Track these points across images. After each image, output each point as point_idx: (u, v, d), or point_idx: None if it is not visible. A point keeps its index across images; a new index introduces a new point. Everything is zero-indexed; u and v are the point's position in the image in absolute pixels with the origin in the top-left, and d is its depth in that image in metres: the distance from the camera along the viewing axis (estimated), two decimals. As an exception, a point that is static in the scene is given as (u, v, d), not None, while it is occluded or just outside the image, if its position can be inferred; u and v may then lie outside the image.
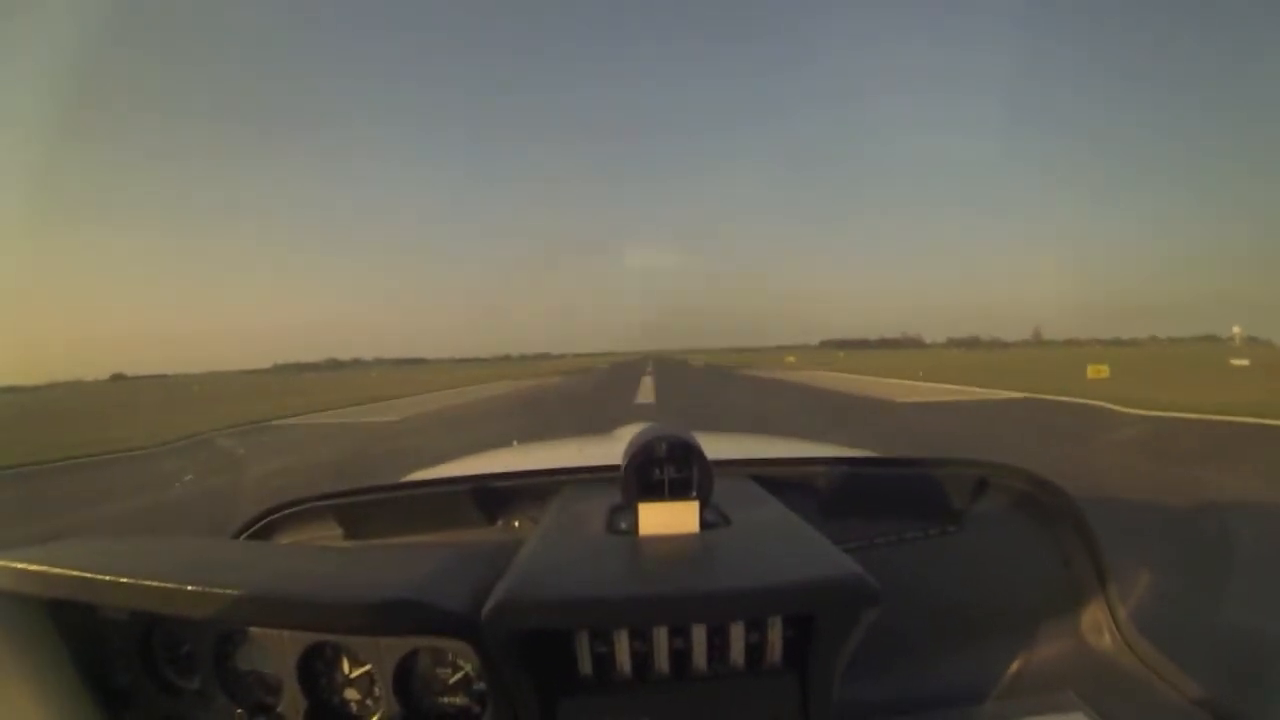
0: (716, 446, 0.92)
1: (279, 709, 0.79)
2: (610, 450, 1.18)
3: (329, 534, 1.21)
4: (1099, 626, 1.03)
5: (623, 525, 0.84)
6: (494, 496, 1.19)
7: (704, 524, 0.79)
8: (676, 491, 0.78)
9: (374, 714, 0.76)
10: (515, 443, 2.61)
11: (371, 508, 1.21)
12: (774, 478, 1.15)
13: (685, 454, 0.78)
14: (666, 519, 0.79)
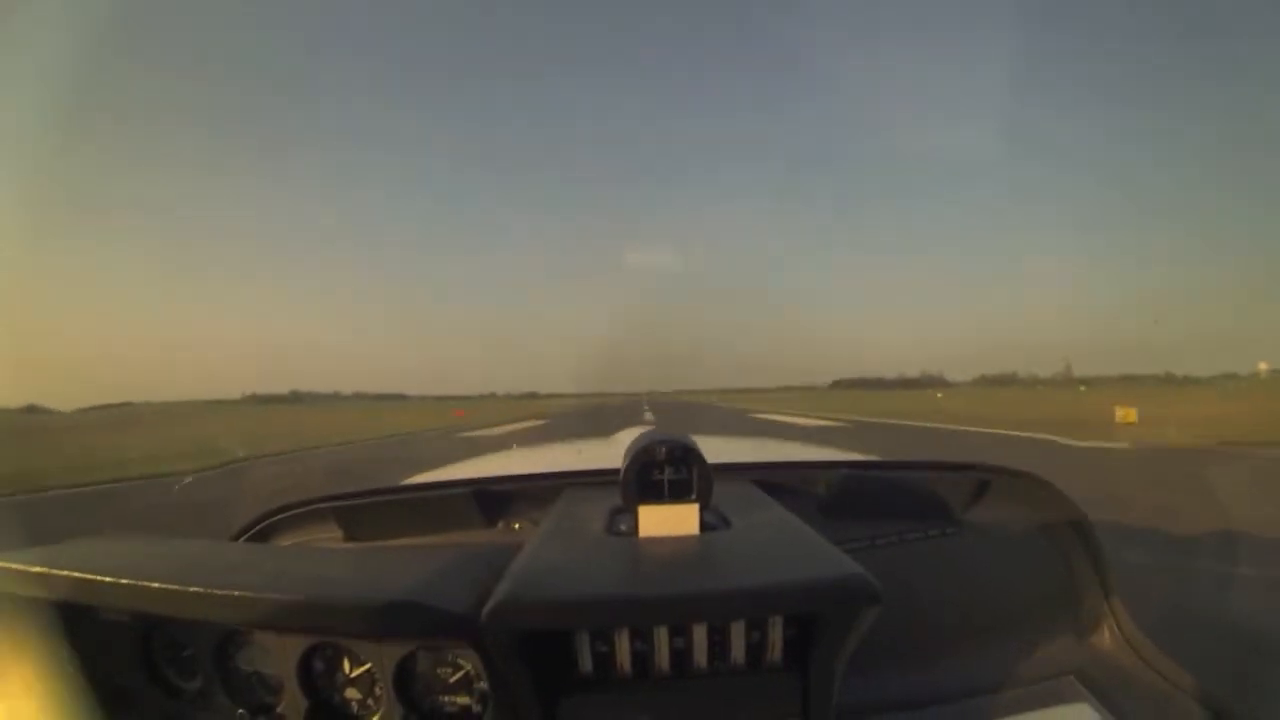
0: (717, 450, 0.94)
1: (279, 709, 0.80)
2: (610, 454, 1.20)
3: (329, 536, 1.21)
4: (1100, 627, 1.05)
5: (623, 527, 0.85)
6: (494, 500, 1.20)
7: (704, 526, 0.80)
8: (676, 494, 0.79)
9: (374, 714, 0.77)
10: (515, 446, 2.56)
11: (372, 510, 1.21)
12: (774, 482, 1.15)
13: (685, 457, 0.79)
14: (666, 521, 0.79)
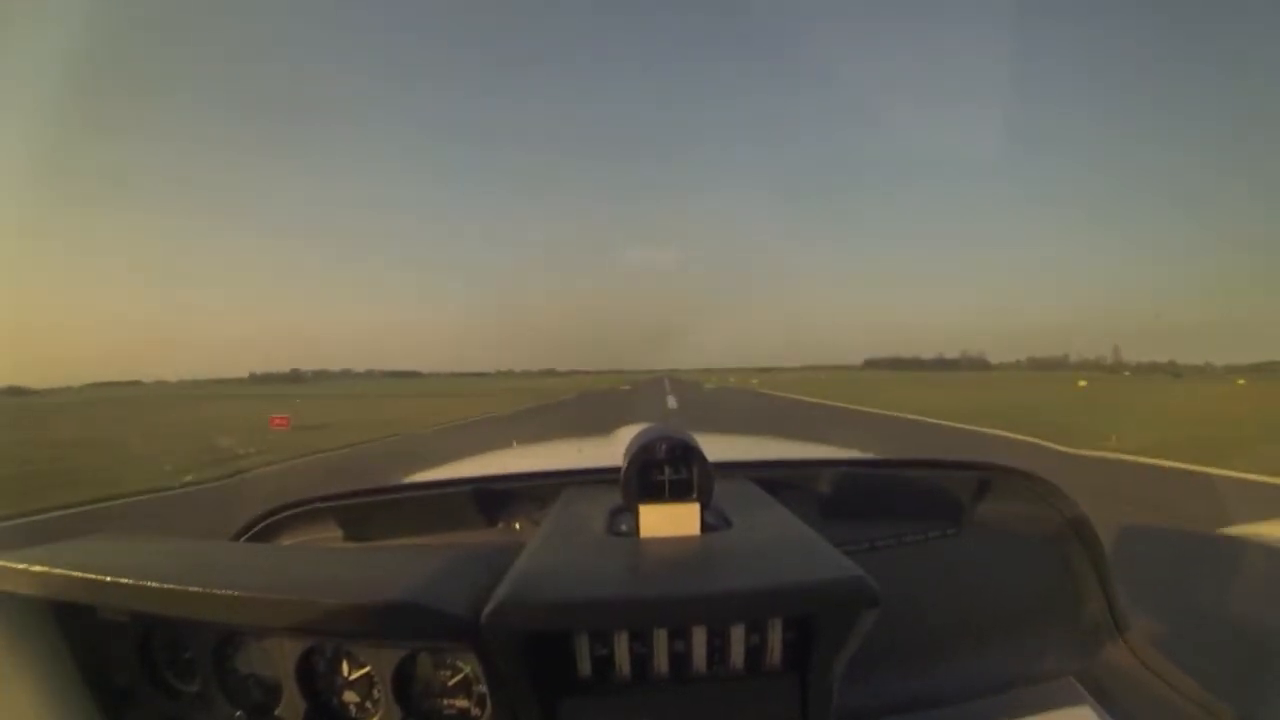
0: (717, 449, 0.92)
1: (278, 711, 0.79)
2: (611, 452, 1.19)
3: (329, 535, 1.20)
4: (1099, 627, 1.04)
5: (623, 527, 0.84)
6: (494, 498, 1.19)
7: (705, 526, 0.79)
8: (677, 493, 0.78)
9: (373, 716, 0.77)
10: (515, 444, 2.46)
11: (372, 509, 1.21)
12: (775, 480, 1.14)
13: (686, 456, 0.78)
14: (667, 521, 0.79)
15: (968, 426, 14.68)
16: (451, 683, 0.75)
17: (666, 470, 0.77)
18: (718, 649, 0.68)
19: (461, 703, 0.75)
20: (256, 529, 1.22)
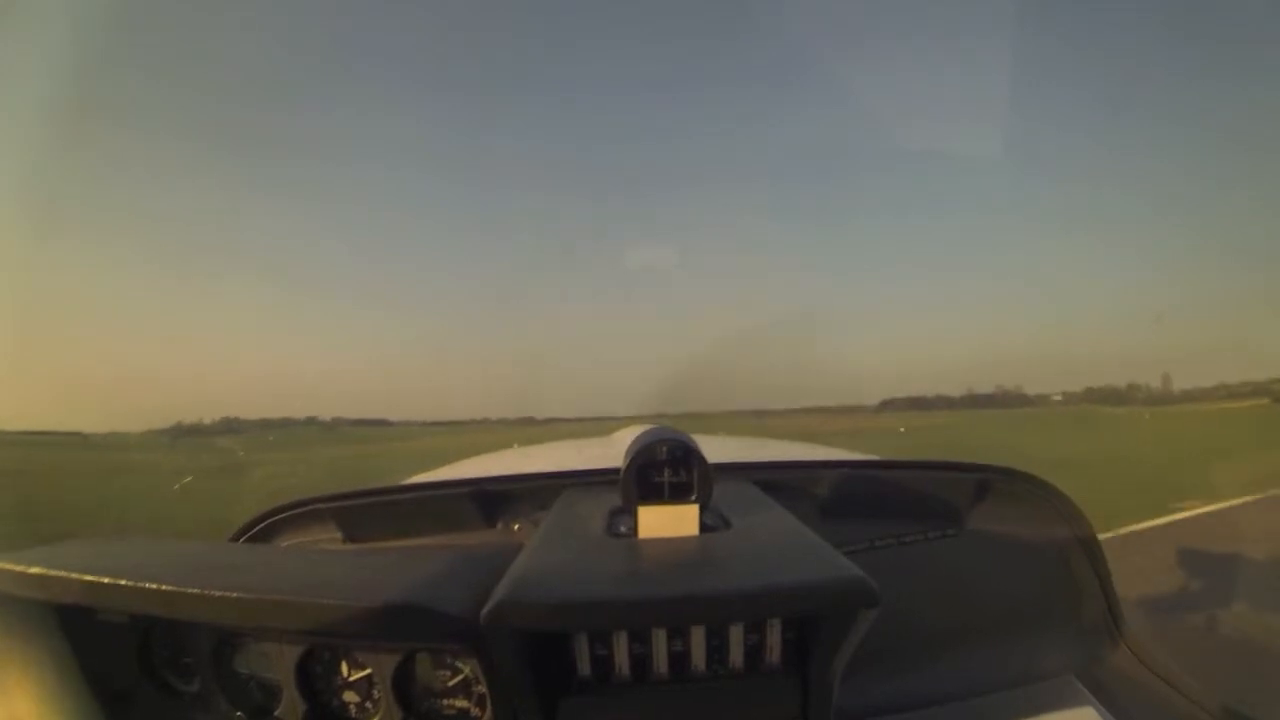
0: (717, 450, 0.94)
1: (277, 712, 0.80)
2: (610, 453, 1.22)
3: (328, 536, 1.22)
4: (1098, 626, 1.06)
5: (622, 528, 0.85)
6: (494, 499, 1.21)
7: (704, 527, 0.80)
8: (676, 494, 0.79)
9: (373, 717, 0.78)
10: (515, 445, 2.52)
11: (371, 510, 1.23)
12: (774, 481, 1.15)
13: (685, 457, 0.78)
14: (666, 522, 0.79)
15: None
16: (451, 683, 0.76)
17: (666, 471, 0.78)
18: (717, 649, 0.69)
19: (461, 703, 0.76)
20: (256, 530, 1.24)
